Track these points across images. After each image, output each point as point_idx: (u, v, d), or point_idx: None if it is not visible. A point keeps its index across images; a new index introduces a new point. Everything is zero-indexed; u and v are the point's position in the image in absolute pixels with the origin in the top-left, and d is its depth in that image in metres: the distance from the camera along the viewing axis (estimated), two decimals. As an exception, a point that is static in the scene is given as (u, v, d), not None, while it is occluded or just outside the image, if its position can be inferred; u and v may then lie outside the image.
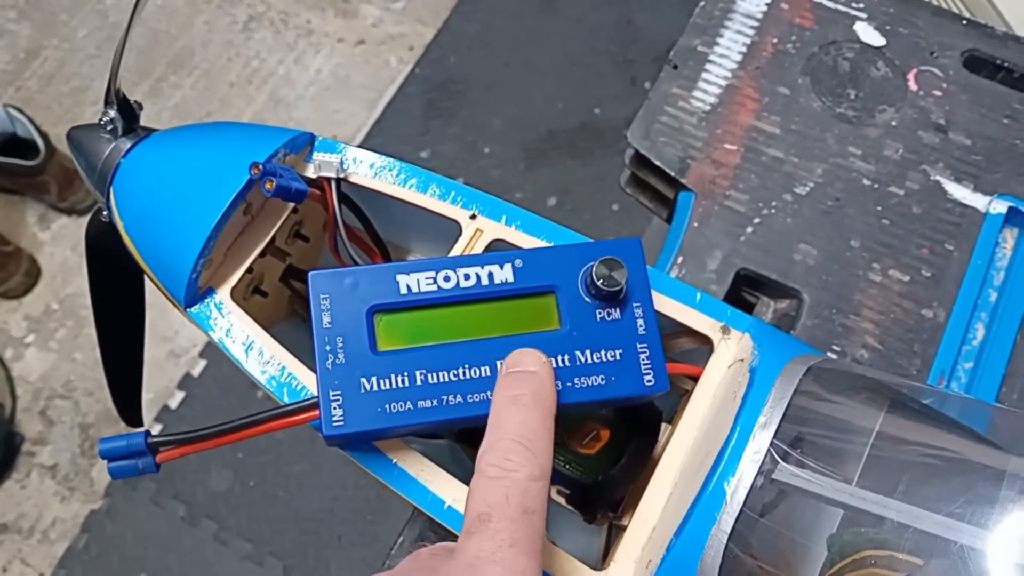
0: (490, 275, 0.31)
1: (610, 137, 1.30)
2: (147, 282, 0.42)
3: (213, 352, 1.25)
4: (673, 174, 0.53)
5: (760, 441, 0.28)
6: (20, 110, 1.29)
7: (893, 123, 0.53)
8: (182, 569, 1.14)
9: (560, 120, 1.32)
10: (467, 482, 0.33)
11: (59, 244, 1.35)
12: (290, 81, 1.41)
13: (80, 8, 1.49)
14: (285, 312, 0.42)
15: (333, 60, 1.43)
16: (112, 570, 1.15)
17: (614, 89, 1.33)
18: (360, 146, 0.37)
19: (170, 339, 1.25)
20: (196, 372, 1.24)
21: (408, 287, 0.31)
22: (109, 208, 0.37)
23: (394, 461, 0.32)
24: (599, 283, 0.31)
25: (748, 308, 0.52)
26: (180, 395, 1.23)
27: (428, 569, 0.26)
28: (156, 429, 1.21)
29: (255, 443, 1.18)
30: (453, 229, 0.37)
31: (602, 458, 0.35)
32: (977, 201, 0.51)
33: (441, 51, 1.39)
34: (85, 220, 1.35)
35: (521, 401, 0.28)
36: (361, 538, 1.12)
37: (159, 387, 1.23)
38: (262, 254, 0.37)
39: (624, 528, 0.33)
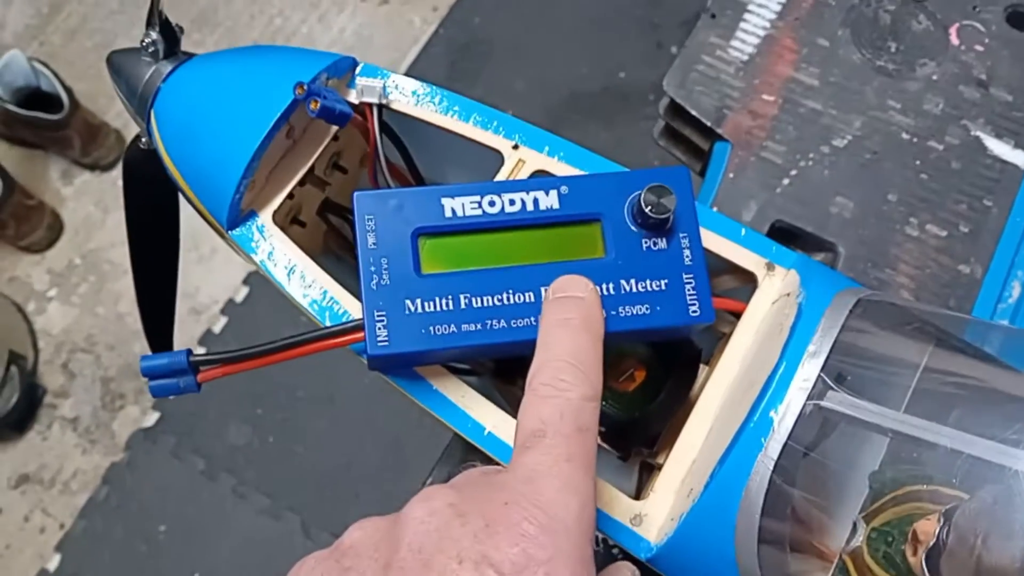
0: (535, 201, 0.31)
1: (634, 101, 1.29)
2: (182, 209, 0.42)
3: (234, 309, 1.26)
4: (709, 124, 0.52)
5: (810, 369, 0.28)
6: (45, 64, 1.28)
7: (934, 77, 0.53)
8: (200, 522, 1.15)
9: (584, 83, 1.31)
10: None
11: (82, 199, 1.35)
12: (313, 40, 1.41)
13: (104, -37, 1.49)
14: (320, 247, 0.42)
15: (356, 20, 1.42)
16: (131, 521, 1.17)
17: (639, 53, 1.31)
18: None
19: (191, 295, 1.26)
20: (217, 329, 1.25)
21: (453, 211, 0.31)
22: (150, 132, 0.37)
23: (435, 387, 0.32)
24: (647, 210, 0.30)
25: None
26: (201, 351, 1.24)
27: (483, 482, 0.26)
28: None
29: (274, 399, 1.19)
30: (493, 165, 0.36)
31: (639, 395, 0.35)
32: (1017, 158, 0.51)
33: (465, 12, 1.38)
34: (108, 176, 1.37)
35: (571, 324, 0.28)
36: (379, 494, 1.12)
37: (180, 343, 1.23)
38: (302, 182, 0.36)
39: (659, 467, 0.33)
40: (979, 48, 0.53)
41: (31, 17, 1.45)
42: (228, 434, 1.18)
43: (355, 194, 0.31)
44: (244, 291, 1.26)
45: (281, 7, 1.43)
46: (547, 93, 1.31)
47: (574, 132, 1.29)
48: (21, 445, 1.22)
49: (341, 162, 0.39)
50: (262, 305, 1.24)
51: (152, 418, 1.22)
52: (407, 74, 0.37)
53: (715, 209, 0.51)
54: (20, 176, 1.31)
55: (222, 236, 0.36)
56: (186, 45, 0.38)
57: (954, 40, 0.54)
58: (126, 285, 1.24)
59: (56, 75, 1.28)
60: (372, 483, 1.14)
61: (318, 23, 1.42)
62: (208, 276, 1.26)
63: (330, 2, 1.43)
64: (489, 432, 0.32)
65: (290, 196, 0.36)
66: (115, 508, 1.17)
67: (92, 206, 1.34)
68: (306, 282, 0.34)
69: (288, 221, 0.37)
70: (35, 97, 1.28)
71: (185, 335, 1.25)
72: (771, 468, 0.27)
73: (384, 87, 0.36)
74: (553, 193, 0.31)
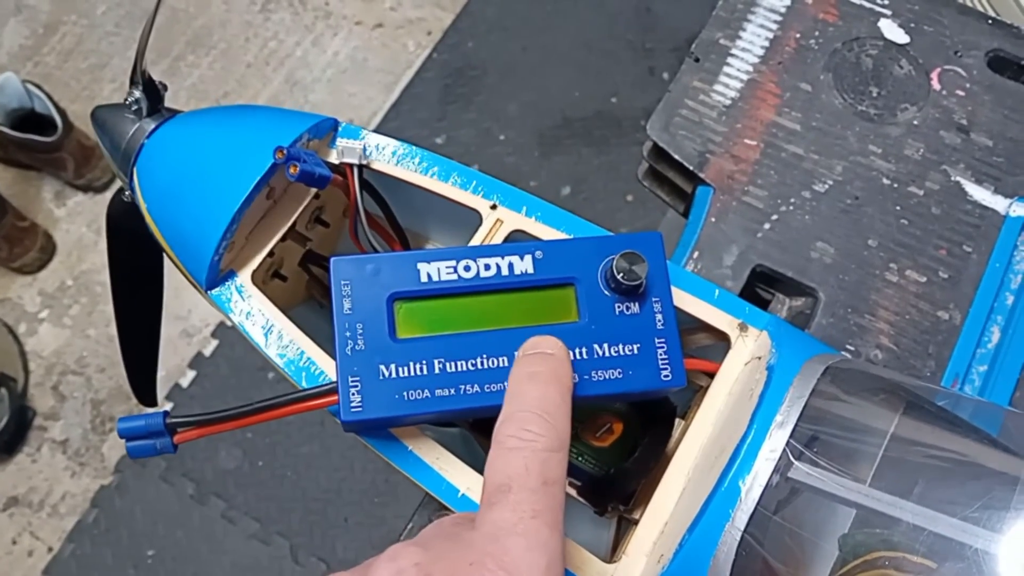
0: (510, 266, 0.32)
1: (626, 126, 1.30)
2: (166, 262, 0.43)
3: (225, 332, 1.26)
4: (692, 168, 0.53)
5: (777, 440, 0.28)
6: (39, 86, 1.29)
7: (915, 122, 0.53)
8: (190, 546, 1.15)
9: (576, 108, 1.32)
10: (480, 471, 0.33)
11: (75, 221, 1.35)
12: (307, 63, 1.41)
13: (99, -15, 1.50)
14: (303, 297, 0.42)
15: (351, 43, 1.42)
16: (121, 545, 1.16)
17: (631, 78, 1.32)
18: (376, 131, 0.37)
19: (183, 318, 1.26)
20: (208, 352, 1.25)
21: (429, 275, 0.31)
22: (132, 188, 0.37)
23: (409, 448, 0.32)
24: (619, 277, 0.31)
25: (763, 305, 0.52)
26: (191, 374, 1.24)
27: (451, 537, 0.25)
28: (167, 408, 1.22)
29: (264, 423, 1.18)
30: (472, 218, 0.37)
31: (615, 451, 0.36)
32: (997, 203, 0.51)
33: (459, 36, 1.39)
34: (101, 197, 1.37)
35: (540, 377, 0.28)
36: (368, 519, 1.12)
37: (171, 365, 1.23)
38: (283, 238, 0.37)
39: (635, 522, 0.34)
40: (960, 93, 0.54)
41: (26, 38, 1.46)
42: (218, 458, 1.18)
43: (332, 260, 0.31)
44: (236, 314, 1.27)
45: (276, 30, 1.44)
46: (540, 117, 1.32)
47: (567, 157, 1.30)
48: (10, 467, 1.22)
49: (323, 216, 0.40)
50: (253, 328, 1.24)
51: (142, 441, 1.21)
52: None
53: (696, 253, 0.51)
54: (13, 197, 1.31)
55: (201, 293, 0.37)
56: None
57: (935, 85, 0.54)
58: (118, 307, 1.24)
59: (50, 97, 1.28)
60: (361, 509, 1.14)
61: (312, 46, 1.42)
62: (200, 299, 1.26)
63: (324, 25, 1.44)
64: (463, 494, 0.32)
65: (270, 254, 0.36)
66: (104, 532, 1.17)
67: (85, 228, 1.34)
68: (283, 342, 0.34)
69: (269, 276, 0.38)
70: (29, 119, 1.28)
71: (176, 357, 1.25)
72: (738, 538, 0.28)
73: (365, 148, 0.37)
74: (528, 258, 0.32)
